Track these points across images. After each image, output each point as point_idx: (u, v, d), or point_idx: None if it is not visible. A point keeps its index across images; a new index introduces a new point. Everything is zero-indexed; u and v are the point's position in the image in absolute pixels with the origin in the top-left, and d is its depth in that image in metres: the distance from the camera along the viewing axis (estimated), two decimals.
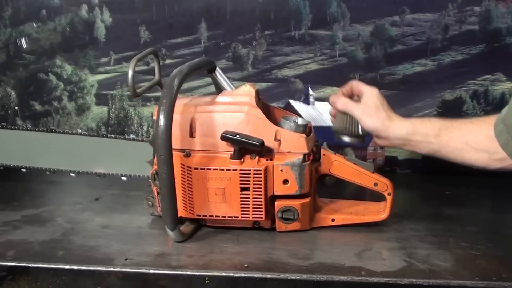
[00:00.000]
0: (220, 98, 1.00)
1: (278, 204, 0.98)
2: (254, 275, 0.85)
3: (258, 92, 1.01)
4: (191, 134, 0.97)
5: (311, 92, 1.45)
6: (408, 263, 0.89)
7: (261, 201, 0.96)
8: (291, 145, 0.96)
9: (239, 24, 1.43)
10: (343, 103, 1.00)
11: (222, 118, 0.96)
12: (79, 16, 1.48)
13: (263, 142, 0.93)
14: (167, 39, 1.46)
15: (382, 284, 0.83)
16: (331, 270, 0.86)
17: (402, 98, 1.43)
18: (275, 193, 0.97)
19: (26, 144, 1.27)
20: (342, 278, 0.84)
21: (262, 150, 0.95)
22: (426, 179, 1.44)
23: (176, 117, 0.94)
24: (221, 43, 1.45)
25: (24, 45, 1.51)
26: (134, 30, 1.45)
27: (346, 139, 1.03)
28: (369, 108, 0.97)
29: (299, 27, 1.42)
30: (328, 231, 1.03)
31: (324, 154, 1.01)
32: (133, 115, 1.52)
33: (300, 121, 1.00)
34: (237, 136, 0.93)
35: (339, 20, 1.40)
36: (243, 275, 0.85)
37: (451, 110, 1.40)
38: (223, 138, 0.94)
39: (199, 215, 0.99)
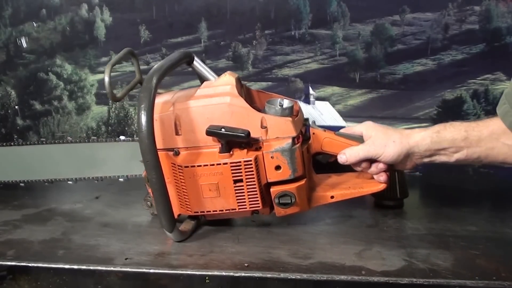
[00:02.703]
0: (201, 91, 0.96)
1: (274, 190, 0.96)
2: (254, 274, 0.85)
3: (239, 80, 0.98)
4: (177, 132, 0.95)
5: (311, 91, 1.45)
6: (408, 262, 0.89)
7: (256, 191, 0.94)
8: (278, 130, 0.93)
9: (239, 23, 1.43)
10: (352, 154, 0.95)
11: (205, 112, 0.94)
12: (79, 16, 1.48)
13: (249, 133, 0.91)
14: (167, 38, 1.47)
15: (382, 283, 0.83)
16: (331, 270, 0.86)
17: (402, 98, 1.43)
18: (269, 180, 0.95)
19: (20, 159, 1.24)
20: (342, 277, 0.84)
21: (249, 141, 0.93)
22: (425, 179, 1.44)
23: (159, 116, 0.93)
24: (221, 43, 1.45)
25: (24, 45, 1.51)
26: (134, 30, 1.45)
27: (389, 203, 1.15)
28: (378, 139, 0.93)
29: (299, 26, 1.42)
30: (328, 230, 1.03)
31: (313, 133, 0.99)
32: (133, 115, 1.52)
33: (285, 103, 0.96)
34: (222, 129, 0.91)
35: (339, 19, 1.40)
36: (243, 274, 0.85)
37: (452, 110, 1.40)
38: (208, 133, 0.92)
39: (197, 212, 0.99)
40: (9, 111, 1.55)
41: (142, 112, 0.87)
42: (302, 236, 1.00)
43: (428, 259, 0.90)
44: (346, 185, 1.01)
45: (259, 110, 0.96)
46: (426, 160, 0.93)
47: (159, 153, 0.91)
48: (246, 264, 0.88)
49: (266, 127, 0.93)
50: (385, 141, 0.92)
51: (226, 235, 1.01)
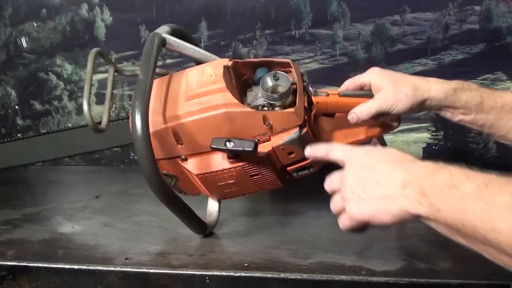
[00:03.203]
0: (190, 100, 0.88)
1: (291, 169, 0.94)
2: (254, 274, 0.85)
3: (227, 69, 0.90)
4: (178, 142, 0.91)
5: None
6: (408, 262, 0.89)
7: (274, 176, 0.93)
8: (284, 123, 0.88)
9: (240, 23, 1.43)
10: (363, 112, 0.89)
11: (203, 124, 0.87)
12: (79, 15, 1.48)
13: (256, 145, 0.87)
14: None
15: (383, 283, 0.83)
16: (331, 270, 0.86)
17: None
18: (284, 164, 0.93)
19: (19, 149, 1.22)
20: (343, 277, 0.84)
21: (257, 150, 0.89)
22: None
23: (153, 132, 0.87)
24: (222, 42, 1.45)
25: (24, 44, 1.51)
26: (134, 30, 1.45)
27: None
28: (389, 93, 0.87)
29: (299, 26, 1.42)
30: (328, 230, 1.03)
31: (317, 102, 0.95)
32: None
33: (281, 85, 0.88)
34: (227, 144, 0.86)
35: (340, 19, 1.40)
36: (243, 274, 0.85)
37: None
38: (214, 149, 0.88)
39: (220, 198, 1.00)
40: (9, 111, 1.55)
41: (137, 120, 0.81)
42: (302, 236, 1.00)
43: (428, 259, 0.89)
44: (357, 131, 0.98)
45: (252, 82, 0.92)
46: (433, 111, 0.90)
47: (165, 161, 0.91)
48: (246, 264, 0.88)
49: (270, 124, 0.88)
50: (397, 96, 0.87)
51: (226, 235, 1.01)
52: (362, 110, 0.91)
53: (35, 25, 1.49)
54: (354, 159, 0.67)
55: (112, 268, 0.88)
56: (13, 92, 1.54)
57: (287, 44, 1.44)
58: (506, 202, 0.50)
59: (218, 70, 0.89)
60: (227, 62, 0.91)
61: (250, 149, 0.86)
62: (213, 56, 0.98)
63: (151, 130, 0.83)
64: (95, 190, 1.27)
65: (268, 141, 0.90)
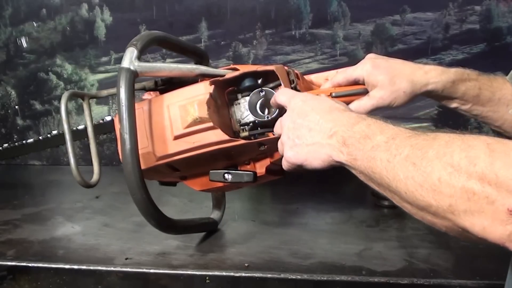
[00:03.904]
0: (179, 140, 0.83)
1: None
2: (254, 274, 0.85)
3: (212, 97, 0.82)
4: (175, 170, 0.88)
5: None
6: (408, 262, 0.88)
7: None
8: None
9: (240, 23, 1.43)
10: (359, 110, 0.82)
11: (199, 156, 0.84)
12: (79, 15, 1.48)
13: (255, 175, 0.85)
14: None
15: (383, 283, 0.83)
16: (331, 270, 0.86)
17: None
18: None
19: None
20: (343, 277, 0.84)
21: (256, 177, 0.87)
22: None
23: (147, 169, 0.83)
24: (222, 42, 1.45)
25: (24, 44, 1.51)
26: (134, 29, 1.45)
27: (389, 203, 1.11)
28: (386, 90, 0.83)
29: (299, 26, 1.42)
30: (329, 230, 1.03)
31: None
32: None
33: (270, 111, 0.81)
34: (226, 176, 0.85)
35: (340, 19, 1.40)
36: (243, 274, 0.85)
37: (452, 110, 1.40)
38: (214, 181, 0.87)
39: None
40: (9, 111, 1.55)
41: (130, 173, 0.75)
42: (302, 236, 1.00)
43: (428, 259, 0.89)
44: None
45: (238, 90, 0.86)
46: (430, 98, 0.88)
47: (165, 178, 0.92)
48: (246, 264, 0.88)
49: (265, 147, 0.84)
50: (394, 94, 0.83)
51: (226, 235, 1.01)
52: (358, 108, 0.85)
53: (35, 25, 1.49)
54: (292, 105, 0.71)
55: (112, 268, 0.87)
56: (13, 92, 1.54)
57: (287, 44, 1.44)
58: (406, 153, 0.53)
59: (202, 111, 0.81)
60: (208, 88, 0.82)
61: (250, 180, 0.85)
62: (194, 68, 0.85)
63: (143, 167, 0.78)
64: (95, 190, 1.27)
65: (265, 158, 0.88)
